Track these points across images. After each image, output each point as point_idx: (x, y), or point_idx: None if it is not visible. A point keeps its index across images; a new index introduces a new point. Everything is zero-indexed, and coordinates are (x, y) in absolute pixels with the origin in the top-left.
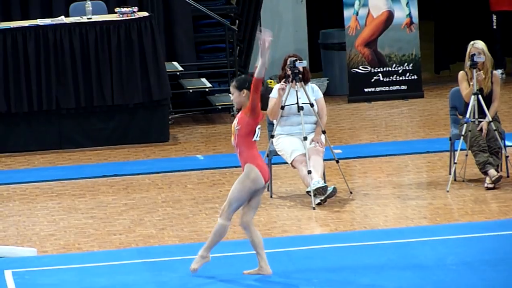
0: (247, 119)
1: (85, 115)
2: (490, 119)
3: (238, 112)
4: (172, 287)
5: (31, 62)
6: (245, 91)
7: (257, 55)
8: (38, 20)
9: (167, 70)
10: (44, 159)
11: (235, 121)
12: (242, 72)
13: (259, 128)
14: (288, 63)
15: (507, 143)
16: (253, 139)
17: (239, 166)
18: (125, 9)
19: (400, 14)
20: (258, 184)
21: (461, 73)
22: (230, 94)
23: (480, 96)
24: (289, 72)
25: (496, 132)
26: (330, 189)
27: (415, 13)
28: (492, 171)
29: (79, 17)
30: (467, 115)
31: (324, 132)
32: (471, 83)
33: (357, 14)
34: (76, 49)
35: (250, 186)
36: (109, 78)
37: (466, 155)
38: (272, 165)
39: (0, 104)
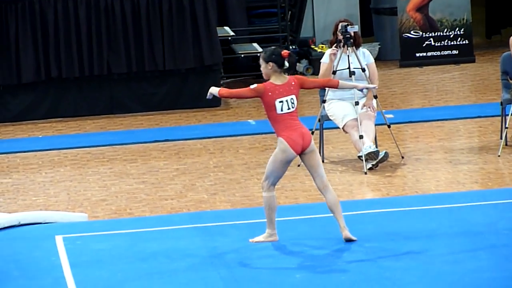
0: (263, 100)
1: (136, 80)
2: None
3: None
4: (224, 252)
5: (82, 28)
6: (271, 63)
7: (306, 19)
8: None
9: (219, 35)
10: (95, 124)
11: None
12: (293, 37)
13: (280, 102)
14: (340, 28)
15: None
16: (277, 113)
17: None
18: None
19: None
20: (289, 155)
21: None
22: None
23: None
24: (340, 37)
25: None
26: (381, 154)
27: None
28: None
29: None
30: None
31: (375, 97)
32: None
33: None
34: (128, 14)
35: (281, 158)
36: (160, 43)
37: None
38: (324, 130)
39: (52, 69)
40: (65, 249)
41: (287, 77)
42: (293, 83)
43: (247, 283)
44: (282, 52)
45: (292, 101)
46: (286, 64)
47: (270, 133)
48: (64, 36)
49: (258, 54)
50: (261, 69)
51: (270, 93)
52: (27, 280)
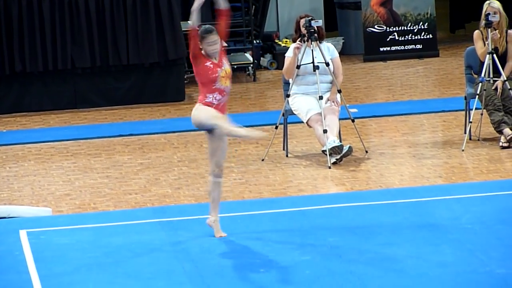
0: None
1: (100, 75)
2: (505, 78)
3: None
4: (188, 246)
5: (46, 22)
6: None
7: (270, 14)
8: None
9: (183, 29)
10: (59, 118)
11: (227, 65)
12: (257, 32)
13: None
14: (304, 22)
15: None
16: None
17: (256, 125)
18: None
19: None
20: None
21: (476, 32)
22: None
23: (495, 55)
24: (304, 31)
25: (510, 91)
26: (345, 148)
27: None
28: (507, 130)
29: None
30: (482, 74)
31: (339, 91)
32: (486, 42)
33: None
34: (92, 8)
35: None
36: (124, 38)
37: (481, 114)
38: (288, 124)
39: (16, 63)
40: (29, 243)
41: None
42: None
43: (212, 277)
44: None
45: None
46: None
47: None
48: (28, 31)
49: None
50: (217, 46)
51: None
52: None
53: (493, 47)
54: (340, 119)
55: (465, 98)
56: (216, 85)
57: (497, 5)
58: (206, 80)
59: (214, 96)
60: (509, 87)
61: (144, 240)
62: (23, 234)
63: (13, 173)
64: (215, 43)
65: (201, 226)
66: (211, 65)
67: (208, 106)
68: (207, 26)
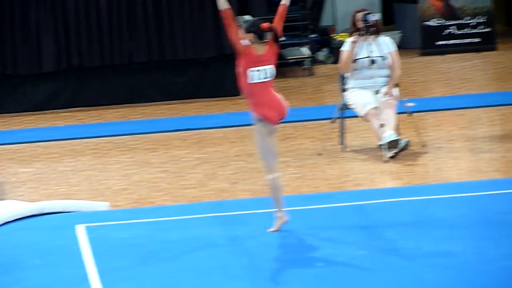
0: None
1: (157, 69)
2: None
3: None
4: (245, 241)
5: (103, 16)
6: (251, 34)
7: (327, 8)
8: None
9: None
10: (116, 113)
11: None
12: (314, 26)
13: (252, 71)
14: (360, 16)
15: None
16: (249, 82)
17: (313, 120)
18: None
19: None
20: (268, 127)
21: None
22: (299, 48)
23: None
24: (361, 26)
25: None
26: (403, 143)
27: None
28: None
29: None
30: None
31: (397, 85)
32: None
33: None
34: (148, 2)
35: (264, 133)
36: (181, 32)
37: None
38: (345, 119)
39: (73, 58)
40: (86, 238)
41: (266, 48)
42: (269, 52)
43: (268, 272)
44: (262, 25)
45: (269, 71)
46: (267, 36)
47: (291, 122)
48: (85, 25)
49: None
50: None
51: (247, 59)
52: (49, 269)
53: None
54: (397, 113)
55: None
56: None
57: None
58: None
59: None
60: None
61: (201, 235)
62: (80, 228)
63: (70, 168)
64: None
65: (258, 220)
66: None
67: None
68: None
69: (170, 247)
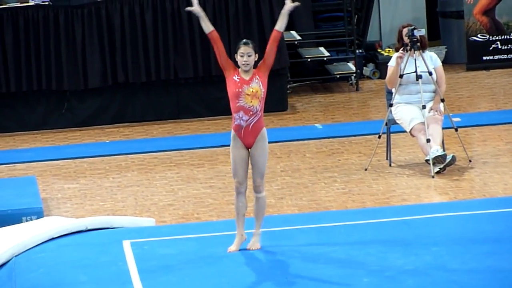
0: (265, 79)
1: (203, 85)
2: None
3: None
4: (291, 256)
5: (149, 32)
6: (256, 53)
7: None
8: None
9: (285, 39)
10: (162, 129)
11: (256, 84)
12: (360, 41)
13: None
14: (406, 31)
15: None
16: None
17: (359, 135)
18: None
19: None
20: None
21: None
22: (247, 55)
23: None
24: (407, 41)
25: None
26: (449, 158)
27: None
28: None
29: None
30: None
31: (442, 100)
32: None
33: None
34: (194, 18)
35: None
36: (227, 48)
37: None
38: (391, 134)
39: (118, 74)
40: (132, 254)
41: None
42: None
43: (315, 287)
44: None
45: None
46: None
47: (337, 137)
48: (131, 41)
49: (325, 58)
50: (250, 59)
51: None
52: (94, 285)
53: None
54: (443, 128)
55: None
56: (239, 102)
57: None
58: (231, 95)
59: (240, 115)
60: None
61: (247, 250)
62: (126, 244)
63: (116, 184)
64: (248, 55)
65: (304, 236)
66: (237, 79)
67: (236, 130)
68: (245, 39)
69: (216, 263)
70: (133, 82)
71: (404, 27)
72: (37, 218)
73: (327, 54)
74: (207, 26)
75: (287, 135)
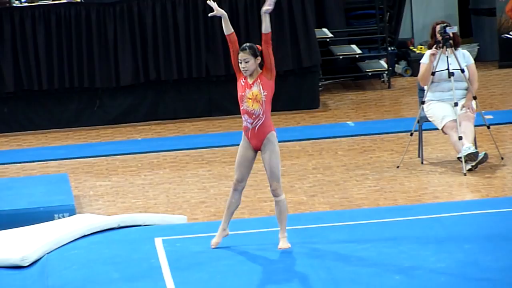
0: (270, 82)
1: (234, 82)
2: None
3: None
4: (323, 254)
5: (181, 30)
6: (259, 57)
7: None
8: None
9: (317, 36)
10: (194, 126)
11: (256, 88)
12: (392, 38)
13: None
14: (439, 29)
15: None
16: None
17: (391, 132)
18: None
19: None
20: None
21: None
22: (246, 60)
23: None
24: (439, 38)
25: None
26: (481, 155)
27: None
28: None
29: None
30: None
31: (475, 97)
32: None
33: None
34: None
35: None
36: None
37: None
38: (423, 131)
39: (150, 72)
40: (164, 251)
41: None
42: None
43: (347, 285)
44: (258, 46)
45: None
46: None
47: (369, 135)
48: (163, 38)
49: (357, 56)
50: (248, 66)
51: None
52: (126, 282)
53: None
54: (475, 125)
55: None
56: (243, 106)
57: None
58: (238, 98)
59: (245, 118)
60: None
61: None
62: (158, 242)
63: (148, 181)
64: (245, 62)
65: (336, 234)
66: (243, 83)
67: (245, 131)
68: (246, 43)
69: (248, 260)
70: (165, 79)
71: (437, 24)
72: (69, 216)
73: (359, 51)
74: (228, 28)
75: (319, 133)
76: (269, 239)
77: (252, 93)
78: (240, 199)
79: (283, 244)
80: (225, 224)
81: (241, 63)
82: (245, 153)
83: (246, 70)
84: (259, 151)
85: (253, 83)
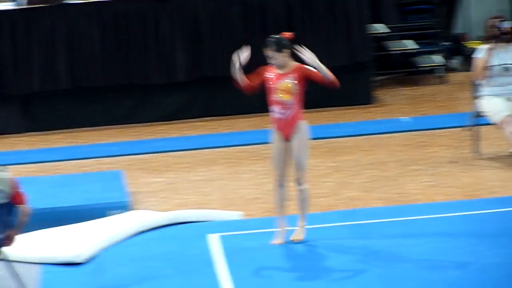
0: (303, 83)
1: None
2: None
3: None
4: (378, 250)
5: (236, 25)
6: (285, 50)
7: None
8: None
9: (372, 32)
10: (249, 122)
11: (289, 80)
12: (447, 33)
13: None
14: (495, 23)
15: None
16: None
17: (446, 128)
18: None
19: None
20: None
21: None
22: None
23: None
24: (495, 32)
25: None
26: None
27: None
28: None
29: None
30: None
31: None
32: None
33: None
34: (280, 12)
35: (308, 141)
36: (313, 41)
37: None
38: (478, 126)
39: (205, 68)
40: (219, 247)
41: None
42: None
43: (402, 281)
44: (287, 35)
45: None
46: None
47: (424, 130)
48: (217, 34)
49: (411, 51)
50: (275, 61)
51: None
52: (181, 279)
53: None
54: None
55: None
56: (274, 97)
57: None
58: (267, 90)
59: (276, 109)
60: None
61: (334, 243)
62: (213, 238)
63: (203, 177)
64: (271, 58)
65: (392, 229)
66: (273, 76)
67: (274, 123)
68: (271, 37)
69: (302, 256)
70: (219, 75)
71: (492, 19)
72: (124, 212)
73: (413, 46)
74: (241, 79)
75: (374, 128)
76: (324, 234)
77: (284, 84)
78: (286, 192)
79: (298, 235)
80: (282, 221)
81: (268, 57)
82: (279, 146)
83: (274, 64)
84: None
85: (285, 75)
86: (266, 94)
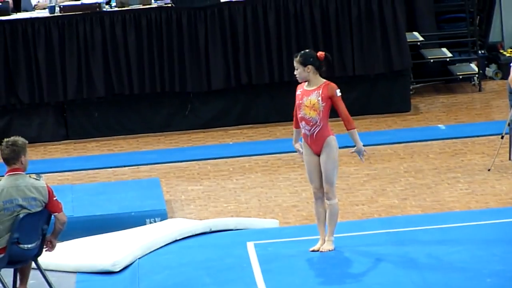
0: (329, 102)
1: None
2: None
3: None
4: (415, 257)
5: (272, 33)
6: (309, 66)
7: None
8: None
9: (408, 40)
10: (285, 130)
11: (315, 97)
12: (482, 42)
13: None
14: None
15: None
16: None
17: (482, 135)
18: None
19: None
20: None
21: None
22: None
23: None
24: None
25: None
26: None
27: None
28: None
29: None
30: None
31: None
32: None
33: None
34: (317, 19)
35: (337, 156)
36: (349, 49)
37: None
38: None
39: (241, 76)
40: (256, 255)
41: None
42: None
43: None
44: (318, 54)
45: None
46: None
47: (460, 138)
48: (254, 42)
49: (447, 59)
50: (297, 73)
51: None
52: (218, 286)
53: None
54: None
55: None
56: (301, 113)
57: None
58: (296, 106)
59: (303, 125)
60: None
61: (371, 251)
62: (250, 246)
63: (240, 185)
64: (296, 69)
65: (429, 237)
66: (300, 92)
67: (304, 138)
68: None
69: (340, 264)
70: (256, 83)
71: None
72: (161, 220)
73: (449, 54)
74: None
75: (410, 136)
76: (361, 242)
77: (310, 101)
78: (325, 205)
79: (327, 245)
80: (322, 234)
81: (295, 69)
82: (310, 160)
83: (298, 78)
84: None
85: (312, 92)
86: (295, 111)
